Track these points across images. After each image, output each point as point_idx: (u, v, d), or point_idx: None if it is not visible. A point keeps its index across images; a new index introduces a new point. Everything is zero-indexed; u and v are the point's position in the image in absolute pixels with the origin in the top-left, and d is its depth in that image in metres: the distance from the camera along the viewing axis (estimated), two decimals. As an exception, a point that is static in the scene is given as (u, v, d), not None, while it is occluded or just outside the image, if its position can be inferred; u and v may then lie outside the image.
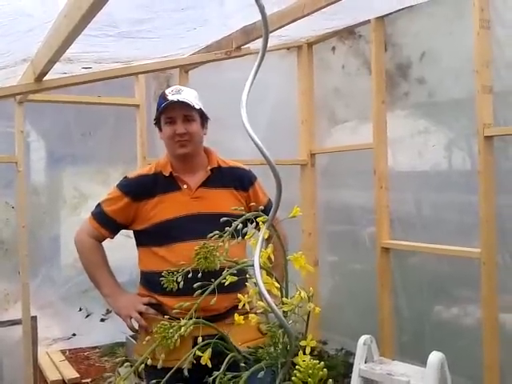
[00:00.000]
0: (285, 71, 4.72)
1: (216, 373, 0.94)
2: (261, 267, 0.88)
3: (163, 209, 2.21)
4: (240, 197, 2.27)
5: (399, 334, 3.82)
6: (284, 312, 0.94)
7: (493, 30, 3.05)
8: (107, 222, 2.29)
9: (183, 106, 2.20)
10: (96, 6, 1.73)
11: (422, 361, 2.91)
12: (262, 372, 0.93)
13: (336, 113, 4.52)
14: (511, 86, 3.12)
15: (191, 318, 0.99)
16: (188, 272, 1.02)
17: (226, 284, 1.01)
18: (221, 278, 1.00)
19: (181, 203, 2.22)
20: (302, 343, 0.92)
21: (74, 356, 5.00)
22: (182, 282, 1.03)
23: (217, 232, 1.00)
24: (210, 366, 0.98)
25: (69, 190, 5.38)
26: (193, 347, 1.02)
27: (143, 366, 0.99)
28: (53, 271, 5.21)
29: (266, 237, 0.90)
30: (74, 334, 5.18)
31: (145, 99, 4.20)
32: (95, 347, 5.12)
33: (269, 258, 0.99)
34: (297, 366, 0.82)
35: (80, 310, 5.17)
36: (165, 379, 0.97)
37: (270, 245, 1.02)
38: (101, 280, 2.30)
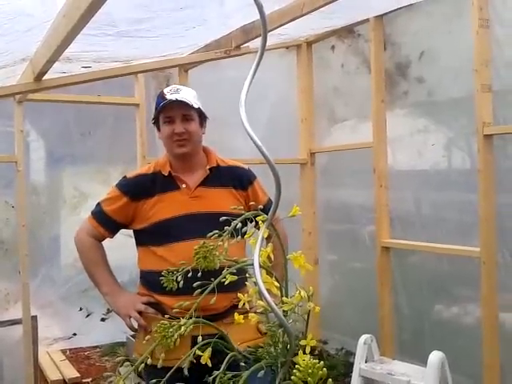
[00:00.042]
0: (284, 70, 4.72)
1: (216, 372, 0.95)
2: (260, 266, 0.88)
3: (162, 208, 2.22)
4: (239, 196, 2.27)
5: (399, 334, 3.82)
6: (284, 311, 0.94)
7: (492, 29, 3.05)
8: (106, 222, 2.29)
9: (182, 105, 2.19)
10: (95, 6, 1.73)
11: (423, 360, 2.92)
12: (262, 371, 0.93)
13: (335, 112, 4.52)
14: (510, 84, 3.12)
15: (191, 318, 0.99)
16: (188, 271, 1.02)
17: (225, 283, 1.01)
18: (220, 277, 1.00)
19: (179, 203, 2.22)
20: (302, 342, 0.92)
21: (75, 355, 4.99)
22: (181, 282, 1.03)
23: (216, 231, 1.00)
24: (210, 365, 0.98)
25: (69, 190, 5.37)
26: (191, 346, 1.02)
27: (143, 365, 0.99)
28: (53, 271, 5.20)
29: (265, 236, 0.90)
30: (74, 334, 5.18)
31: (144, 98, 4.20)
32: (96, 347, 5.12)
33: (268, 257, 0.99)
34: (296, 366, 0.82)
35: (80, 309, 5.17)
36: (165, 379, 0.97)
37: (270, 244, 1.02)
38: (100, 279, 2.31)
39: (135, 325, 2.27)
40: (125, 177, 2.35)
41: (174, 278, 1.02)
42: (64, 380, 4.43)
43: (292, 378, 0.81)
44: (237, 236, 0.99)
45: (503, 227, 3.11)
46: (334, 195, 4.58)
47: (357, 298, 4.26)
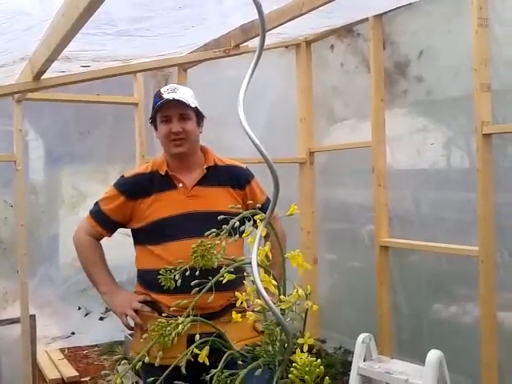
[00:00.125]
0: (283, 69, 4.73)
1: (213, 371, 0.95)
2: (258, 265, 0.88)
3: (159, 207, 2.22)
4: (236, 195, 2.27)
5: (398, 332, 3.82)
6: (281, 310, 0.94)
7: (491, 28, 3.06)
8: (104, 221, 2.30)
9: (179, 104, 2.20)
10: (93, 5, 1.73)
11: (421, 359, 2.92)
12: (260, 370, 0.93)
13: (335, 111, 4.53)
14: (509, 83, 3.12)
15: (188, 316, 0.99)
16: (185, 270, 1.02)
17: (222, 282, 1.01)
18: (218, 275, 1.00)
19: (176, 202, 2.23)
20: (300, 341, 0.92)
21: (73, 354, 5.00)
22: (179, 280, 1.03)
23: (214, 230, 1.00)
24: (207, 363, 0.98)
25: (67, 189, 5.37)
26: (187, 345, 1.02)
27: (140, 363, 0.99)
28: (51, 270, 5.20)
29: (263, 235, 0.90)
30: (72, 333, 5.18)
31: (143, 98, 4.20)
32: (94, 346, 5.12)
33: (266, 256, 1.00)
34: (294, 364, 0.82)
35: (79, 308, 5.17)
36: (162, 377, 0.97)
37: (268, 242, 1.02)
38: (98, 278, 2.32)
39: (131, 323, 2.28)
40: (122, 176, 2.36)
41: (172, 277, 1.02)
42: (62, 379, 4.43)
43: (289, 376, 0.82)
44: (235, 235, 0.99)
45: (502, 226, 3.11)
46: (333, 194, 4.58)
47: (355, 297, 4.26)
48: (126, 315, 2.23)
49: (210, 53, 3.27)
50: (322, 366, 0.81)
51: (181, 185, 2.25)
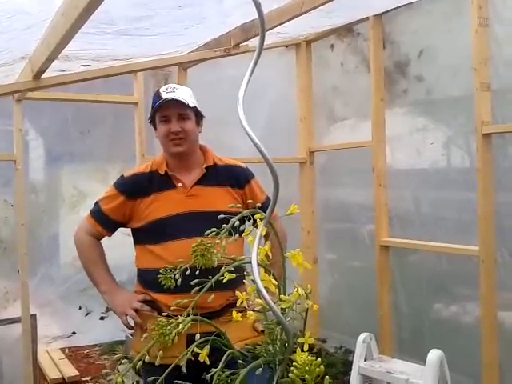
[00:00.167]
0: (283, 69, 4.72)
1: (214, 370, 0.95)
2: (258, 264, 0.88)
3: (158, 207, 2.22)
4: (236, 195, 2.27)
5: (398, 332, 3.82)
6: (282, 309, 0.94)
7: (491, 28, 3.05)
8: (104, 221, 2.30)
9: (178, 104, 2.20)
10: (93, 5, 1.73)
11: (422, 359, 2.92)
12: (260, 369, 0.93)
13: (335, 110, 4.52)
14: (509, 83, 3.12)
15: (187, 316, 0.99)
16: (185, 269, 1.02)
17: (221, 282, 1.01)
18: (218, 275, 1.00)
19: (175, 201, 2.23)
20: (300, 340, 0.92)
21: (74, 354, 5.00)
22: (179, 280, 1.03)
23: (214, 229, 1.00)
24: (208, 362, 0.98)
25: (67, 189, 5.37)
26: (187, 344, 1.02)
27: (141, 363, 0.99)
28: (52, 270, 5.21)
29: (263, 234, 0.90)
30: (73, 332, 5.18)
31: (143, 97, 4.20)
32: (95, 345, 5.13)
33: (266, 255, 1.00)
34: (294, 363, 0.82)
35: (79, 308, 5.17)
36: (162, 377, 0.97)
37: (268, 242, 1.02)
38: (98, 277, 2.32)
39: (131, 323, 2.28)
40: (122, 176, 2.36)
41: (172, 276, 1.02)
42: (63, 378, 4.44)
43: (290, 375, 0.82)
44: (234, 234, 0.99)
45: (502, 226, 3.11)
46: (333, 194, 4.58)
47: (356, 297, 4.26)
48: (126, 314, 2.24)
49: (210, 52, 3.27)
50: (322, 366, 0.81)
51: (180, 184, 2.26)
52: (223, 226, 0.99)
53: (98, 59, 3.09)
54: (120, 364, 3.75)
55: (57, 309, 5.17)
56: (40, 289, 4.96)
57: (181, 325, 0.96)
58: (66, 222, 5.20)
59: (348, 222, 4.41)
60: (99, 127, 5.20)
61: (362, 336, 3.19)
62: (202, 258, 0.98)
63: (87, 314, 5.18)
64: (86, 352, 5.06)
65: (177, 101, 2.19)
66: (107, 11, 2.23)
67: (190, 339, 1.03)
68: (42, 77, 2.85)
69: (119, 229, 2.38)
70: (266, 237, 0.99)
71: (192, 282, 1.01)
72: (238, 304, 1.04)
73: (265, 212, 0.93)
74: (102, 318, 5.05)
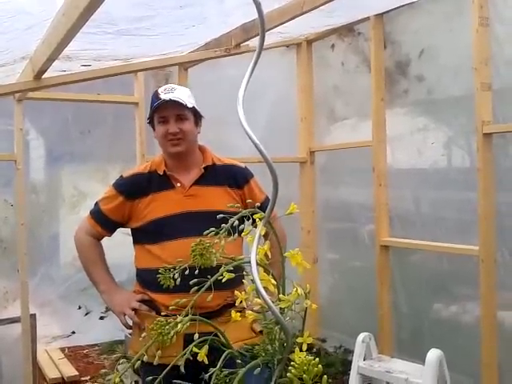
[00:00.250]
0: (284, 68, 4.72)
1: (212, 369, 0.95)
2: (257, 264, 0.88)
3: (156, 207, 2.23)
4: (235, 194, 2.28)
5: (398, 332, 3.82)
6: (281, 309, 0.94)
7: (492, 28, 3.05)
8: (104, 221, 2.31)
9: (176, 105, 2.20)
10: (93, 5, 1.73)
11: (421, 358, 2.92)
12: (258, 369, 0.93)
13: (335, 110, 4.52)
14: (510, 83, 3.12)
15: (186, 315, 0.99)
16: (184, 269, 1.02)
17: (220, 281, 1.01)
18: (217, 275, 1.00)
19: (174, 201, 2.23)
20: (299, 340, 0.92)
21: (73, 354, 5.00)
22: (178, 279, 1.03)
23: (213, 229, 1.00)
24: (206, 362, 0.98)
25: (68, 189, 5.37)
26: (184, 344, 1.02)
27: (139, 362, 0.99)
28: (52, 269, 5.21)
29: (262, 233, 0.90)
30: (73, 332, 5.18)
31: (144, 97, 4.19)
32: (94, 345, 5.13)
33: (266, 255, 1.00)
34: (292, 362, 0.82)
35: (79, 308, 5.17)
36: (161, 376, 0.97)
37: (267, 241, 1.02)
38: (97, 277, 2.33)
39: (130, 322, 2.29)
40: (121, 176, 2.37)
41: (171, 276, 1.02)
42: (63, 378, 4.44)
43: (288, 374, 0.82)
44: (233, 234, 0.99)
45: (502, 226, 3.11)
46: (333, 194, 4.58)
47: (356, 297, 4.26)
48: (125, 314, 2.25)
49: (211, 52, 3.26)
50: (320, 365, 0.81)
51: (178, 184, 2.26)
52: (222, 225, 0.99)
53: (98, 59, 3.09)
54: (119, 364, 3.75)
55: (56, 308, 5.17)
56: (40, 288, 4.95)
57: (179, 324, 0.96)
58: (66, 222, 5.20)
59: (348, 221, 4.41)
60: (100, 127, 5.20)
61: (362, 336, 3.19)
62: (200, 257, 0.98)
63: (87, 314, 5.18)
64: (85, 352, 5.06)
65: (175, 101, 2.19)
66: (108, 11, 2.23)
67: (188, 339, 1.03)
68: (43, 77, 2.86)
69: (119, 229, 2.38)
70: (266, 236, 0.99)
71: (191, 282, 1.01)
72: (236, 304, 1.04)
73: (264, 212, 0.93)
74: (101, 318, 5.05)
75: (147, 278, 2.21)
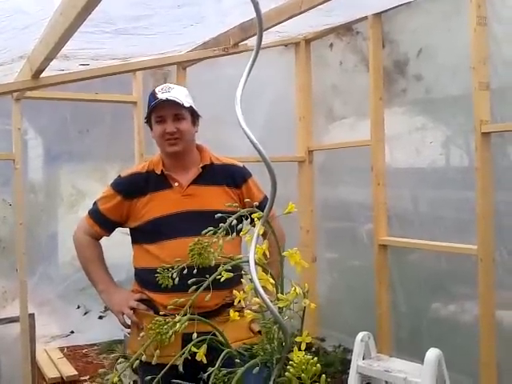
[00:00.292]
0: (282, 68, 4.72)
1: (211, 369, 0.95)
2: (256, 263, 0.88)
3: (154, 207, 2.23)
4: (233, 194, 2.27)
5: (397, 331, 3.83)
6: (279, 308, 0.94)
7: (490, 27, 3.05)
8: (102, 221, 2.31)
9: (173, 104, 2.20)
10: (91, 4, 1.73)
11: (420, 358, 2.92)
12: (257, 368, 0.93)
13: (334, 109, 4.52)
14: (508, 82, 3.12)
15: (184, 315, 0.99)
16: (182, 268, 1.02)
17: (218, 281, 1.01)
18: (215, 274, 1.00)
19: (171, 201, 2.23)
20: (298, 339, 0.92)
21: (72, 353, 5.00)
22: (176, 279, 1.03)
23: (211, 228, 1.00)
24: (205, 361, 0.98)
25: (66, 188, 5.37)
26: (182, 344, 1.02)
27: (138, 362, 0.99)
28: (50, 269, 5.20)
29: (261, 233, 0.90)
30: (72, 332, 5.18)
31: (142, 96, 4.19)
32: (93, 344, 5.13)
33: (264, 254, 1.00)
34: (290, 362, 0.82)
35: (78, 307, 5.17)
36: (159, 376, 0.97)
37: (265, 241, 1.02)
38: (96, 276, 2.33)
39: (128, 322, 2.29)
40: (119, 176, 2.37)
41: (170, 275, 1.02)
42: (62, 378, 4.43)
43: (286, 374, 0.82)
44: (232, 233, 0.99)
45: (501, 225, 3.11)
46: (332, 193, 4.58)
47: (355, 296, 4.26)
48: (123, 313, 2.25)
49: (209, 51, 3.27)
50: (318, 365, 0.81)
51: (176, 184, 2.26)
52: (220, 225, 0.99)
53: (96, 58, 3.09)
54: (118, 363, 3.75)
55: (55, 308, 5.17)
56: (38, 288, 4.95)
57: (178, 324, 0.96)
58: (64, 222, 5.20)
59: (347, 221, 4.41)
60: (98, 126, 5.19)
61: (360, 335, 3.19)
62: (199, 256, 0.98)
63: (86, 314, 5.18)
64: (84, 351, 5.06)
65: (172, 101, 2.19)
66: (106, 10, 2.23)
67: (186, 339, 1.03)
68: (41, 76, 2.86)
69: (118, 228, 2.38)
70: (264, 236, 0.99)
71: (189, 282, 1.01)
72: (235, 303, 1.04)
73: (262, 211, 0.93)
74: (100, 318, 5.05)
75: (145, 278, 2.21)
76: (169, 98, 2.19)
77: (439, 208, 3.64)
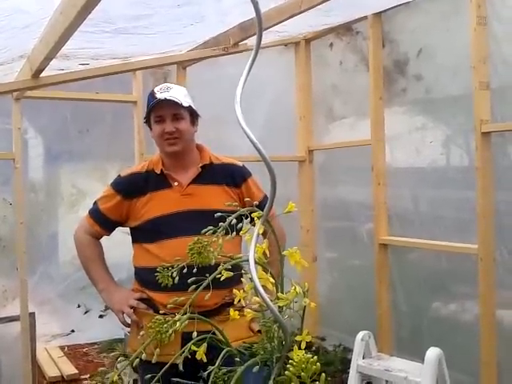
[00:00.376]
0: (282, 67, 4.72)
1: (211, 367, 0.95)
2: (256, 262, 0.88)
3: (153, 206, 2.23)
4: (232, 193, 2.27)
5: (397, 330, 3.83)
6: (279, 307, 0.94)
7: (490, 26, 3.05)
8: (102, 220, 2.32)
9: (171, 104, 2.20)
10: (91, 3, 1.73)
11: (420, 357, 2.92)
12: (257, 367, 0.93)
13: (334, 109, 4.52)
14: (508, 81, 3.12)
15: (184, 314, 0.99)
16: (182, 268, 1.02)
17: (217, 280, 1.01)
18: (215, 273, 1.00)
19: (171, 200, 2.24)
20: (298, 338, 0.92)
21: (73, 352, 5.00)
22: (176, 278, 1.03)
23: (211, 228, 1.00)
24: (205, 360, 0.98)
25: (66, 187, 5.37)
26: (182, 342, 1.03)
27: (138, 360, 0.99)
28: (51, 268, 5.21)
29: (260, 232, 0.90)
30: (72, 331, 5.18)
31: (142, 96, 4.19)
32: (94, 343, 5.13)
33: (264, 254, 1.00)
34: (290, 360, 0.82)
35: (78, 306, 5.17)
36: (159, 374, 0.97)
37: (265, 240, 1.02)
38: (96, 275, 2.33)
39: (128, 320, 2.29)
40: (119, 175, 2.38)
41: (169, 274, 1.02)
42: (62, 376, 4.44)
43: (286, 372, 0.82)
44: (231, 233, 0.99)
45: (501, 224, 3.11)
46: (332, 193, 4.58)
47: (355, 295, 4.26)
48: (123, 312, 2.25)
49: (209, 51, 3.27)
50: (318, 363, 0.81)
51: (176, 183, 2.26)
52: (219, 224, 0.99)
53: (96, 58, 3.10)
54: (118, 362, 3.75)
55: (56, 307, 5.18)
56: (39, 287, 4.95)
57: (178, 323, 0.96)
58: (65, 221, 5.20)
59: (347, 220, 4.41)
60: (98, 126, 5.19)
61: (361, 334, 3.19)
62: (198, 256, 0.98)
63: (86, 313, 5.18)
64: (84, 350, 5.06)
65: (171, 101, 2.19)
66: (105, 10, 2.23)
67: (185, 337, 1.03)
68: (41, 75, 2.86)
69: (119, 228, 2.38)
70: (264, 235, 0.99)
71: (189, 281, 1.01)
72: (235, 302, 1.04)
73: (262, 210, 0.93)
74: (100, 317, 5.05)
75: (145, 277, 2.21)
76: (167, 97, 2.19)
77: (439, 207, 3.64)
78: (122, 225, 2.34)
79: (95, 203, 2.36)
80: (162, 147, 2.28)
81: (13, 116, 3.85)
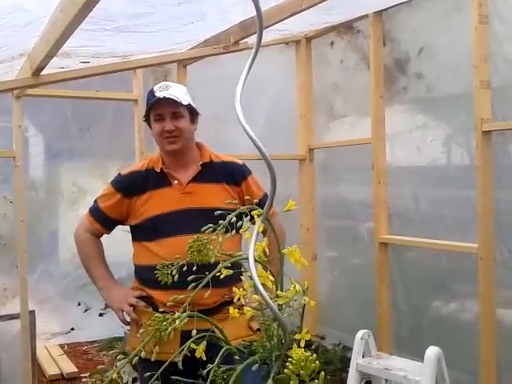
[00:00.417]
0: (283, 66, 4.71)
1: (210, 365, 0.95)
2: (255, 260, 0.88)
3: (153, 204, 2.24)
4: (232, 191, 2.27)
5: (397, 329, 3.83)
6: (279, 305, 0.94)
7: (491, 25, 3.05)
8: (102, 218, 2.32)
9: (171, 102, 2.20)
10: (91, 1, 1.73)
11: (420, 356, 2.92)
12: (256, 365, 0.94)
13: (334, 108, 4.52)
14: (509, 80, 3.12)
15: (184, 312, 0.99)
16: (182, 266, 1.02)
17: (216, 278, 1.01)
18: (215, 271, 1.00)
19: (171, 199, 2.24)
20: (297, 336, 0.92)
21: (73, 350, 5.01)
22: (176, 276, 1.03)
23: (211, 225, 1.00)
24: (204, 358, 0.98)
25: (67, 185, 5.38)
26: (181, 341, 1.02)
27: (137, 358, 0.99)
28: (51, 266, 5.21)
29: (260, 230, 0.90)
30: (72, 329, 5.19)
31: (143, 94, 4.19)
32: (93, 341, 5.14)
33: (264, 252, 1.00)
34: (289, 359, 0.82)
35: (78, 304, 5.18)
36: (158, 372, 0.97)
37: (265, 238, 1.02)
38: (96, 273, 2.34)
39: (128, 318, 2.29)
40: (119, 174, 2.38)
41: (169, 272, 1.02)
42: (62, 375, 4.44)
43: (285, 371, 0.82)
44: (231, 231, 0.99)
45: (501, 223, 3.11)
46: (332, 191, 4.57)
47: (355, 294, 4.26)
48: (123, 310, 2.25)
49: (210, 49, 3.27)
50: (317, 361, 0.81)
51: (176, 182, 2.26)
52: (220, 222, 0.99)
53: (97, 56, 3.09)
54: (118, 360, 3.75)
55: (56, 305, 5.18)
56: (39, 285, 4.96)
57: (177, 321, 0.96)
58: (65, 219, 5.21)
59: (347, 219, 4.41)
60: (99, 124, 5.20)
61: (360, 333, 3.19)
62: (198, 253, 0.98)
63: (86, 311, 5.18)
64: (84, 348, 5.06)
65: (170, 99, 2.19)
66: (106, 8, 2.23)
67: (185, 336, 1.03)
68: (42, 73, 2.86)
69: (119, 226, 2.39)
70: (264, 233, 0.99)
71: (188, 279, 1.01)
72: (234, 300, 1.04)
73: (262, 208, 0.93)
74: (100, 315, 5.05)
75: (145, 275, 2.21)
76: (167, 96, 2.19)
77: (440, 206, 3.64)
78: (122, 223, 2.34)
79: (95, 201, 2.37)
80: (162, 145, 2.29)
81: (13, 114, 3.85)
